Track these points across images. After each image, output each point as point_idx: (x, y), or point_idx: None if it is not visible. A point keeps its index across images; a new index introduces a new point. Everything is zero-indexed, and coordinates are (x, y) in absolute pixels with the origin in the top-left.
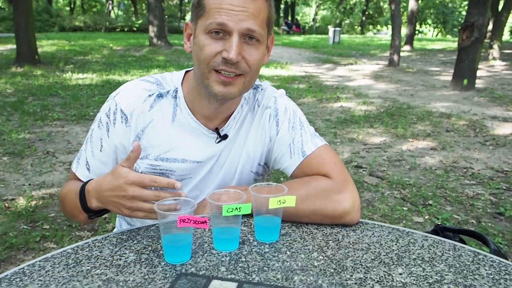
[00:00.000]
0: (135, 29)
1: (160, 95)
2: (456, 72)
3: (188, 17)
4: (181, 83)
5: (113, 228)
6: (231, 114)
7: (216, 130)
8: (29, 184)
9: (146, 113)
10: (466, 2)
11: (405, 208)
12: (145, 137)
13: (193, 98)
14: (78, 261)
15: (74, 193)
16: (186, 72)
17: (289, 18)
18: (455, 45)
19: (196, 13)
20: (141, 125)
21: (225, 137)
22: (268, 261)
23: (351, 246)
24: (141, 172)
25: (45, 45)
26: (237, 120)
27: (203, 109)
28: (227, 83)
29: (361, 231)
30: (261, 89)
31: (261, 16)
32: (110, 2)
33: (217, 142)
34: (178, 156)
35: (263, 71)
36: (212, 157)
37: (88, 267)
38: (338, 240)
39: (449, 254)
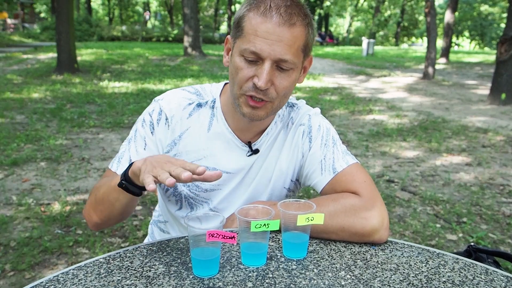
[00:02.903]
0: (170, 39)
1: (199, 105)
2: (493, 86)
3: (222, 28)
4: (220, 94)
5: (144, 235)
6: (265, 129)
7: (249, 144)
8: (64, 190)
9: (185, 120)
10: (505, 15)
11: (438, 225)
12: (181, 143)
13: (228, 110)
14: (109, 270)
15: (112, 179)
16: (225, 84)
17: (323, 29)
18: (493, 58)
19: (235, 32)
20: (179, 131)
21: (256, 151)
22: (295, 278)
23: (379, 266)
24: None
25: (84, 54)
26: (270, 136)
27: (237, 122)
28: (255, 107)
29: (390, 250)
30: (297, 107)
31: (296, 44)
32: (148, 12)
33: (248, 156)
34: (209, 165)
35: None
36: (242, 170)
37: (119, 277)
38: (366, 259)
39: (481, 278)
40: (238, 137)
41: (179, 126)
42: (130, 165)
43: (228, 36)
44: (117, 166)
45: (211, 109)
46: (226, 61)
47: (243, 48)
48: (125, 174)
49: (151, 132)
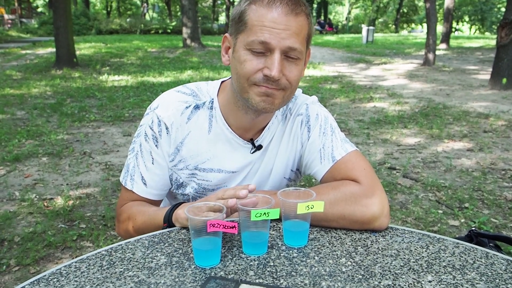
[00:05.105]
0: (169, 31)
1: (196, 107)
2: (494, 71)
3: (221, 18)
4: (217, 94)
5: None
6: (266, 125)
7: (251, 141)
8: (67, 184)
9: (184, 125)
10: None
11: (440, 211)
12: (184, 148)
13: (228, 109)
14: (112, 262)
15: (151, 213)
16: (222, 82)
17: (322, 17)
18: (493, 42)
19: (237, 27)
20: (180, 137)
21: (259, 147)
22: (296, 266)
23: (380, 252)
24: (182, 182)
25: (83, 48)
26: (272, 130)
27: (238, 121)
28: (268, 95)
29: (390, 236)
30: (294, 97)
31: (302, 33)
32: (145, 5)
33: (252, 153)
34: (214, 166)
35: None
36: (247, 167)
37: (121, 269)
38: (367, 245)
39: (481, 262)
40: (239, 136)
41: (180, 132)
42: (173, 210)
43: (226, 34)
44: (132, 184)
45: (209, 110)
46: (226, 60)
47: (250, 40)
48: (168, 220)
49: (156, 146)
